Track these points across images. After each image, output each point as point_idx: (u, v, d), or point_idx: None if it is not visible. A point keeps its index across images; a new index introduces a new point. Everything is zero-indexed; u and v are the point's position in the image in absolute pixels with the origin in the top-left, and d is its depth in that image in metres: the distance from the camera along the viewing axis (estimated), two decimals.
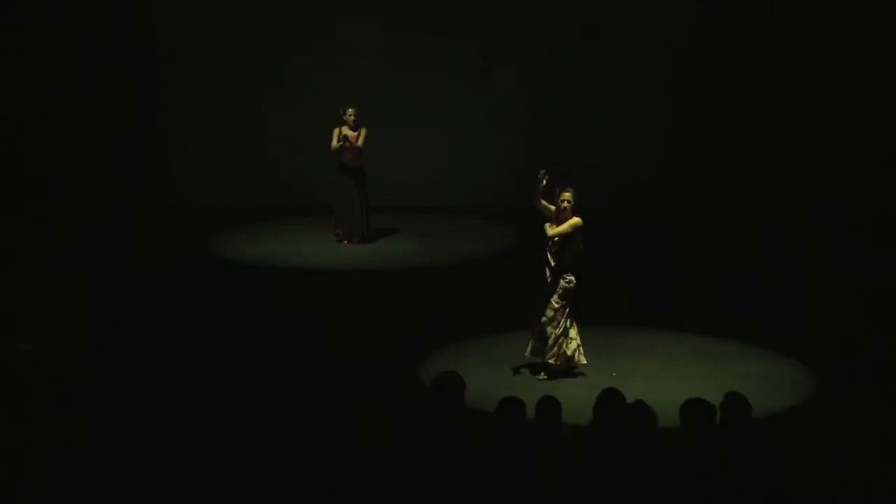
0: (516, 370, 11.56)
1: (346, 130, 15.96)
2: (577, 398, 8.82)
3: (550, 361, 11.36)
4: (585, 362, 11.38)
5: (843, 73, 17.58)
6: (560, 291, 11.23)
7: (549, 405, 7.46)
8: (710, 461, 7.06)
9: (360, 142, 15.93)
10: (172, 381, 10.78)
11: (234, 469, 8.57)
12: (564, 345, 11.34)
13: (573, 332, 11.36)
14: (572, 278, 11.24)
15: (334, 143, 15.93)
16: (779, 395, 10.78)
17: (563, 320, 11.31)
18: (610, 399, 7.38)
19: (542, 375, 11.42)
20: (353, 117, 15.91)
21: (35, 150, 17.48)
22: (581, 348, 11.38)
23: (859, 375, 11.26)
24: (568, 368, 11.41)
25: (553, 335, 11.30)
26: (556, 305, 11.25)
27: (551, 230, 11.19)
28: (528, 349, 11.51)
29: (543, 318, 11.29)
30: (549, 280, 11.28)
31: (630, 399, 7.42)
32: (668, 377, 11.23)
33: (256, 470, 8.48)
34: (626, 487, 6.99)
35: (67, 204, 17.08)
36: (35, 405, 9.76)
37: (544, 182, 11.07)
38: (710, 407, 7.24)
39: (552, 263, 11.24)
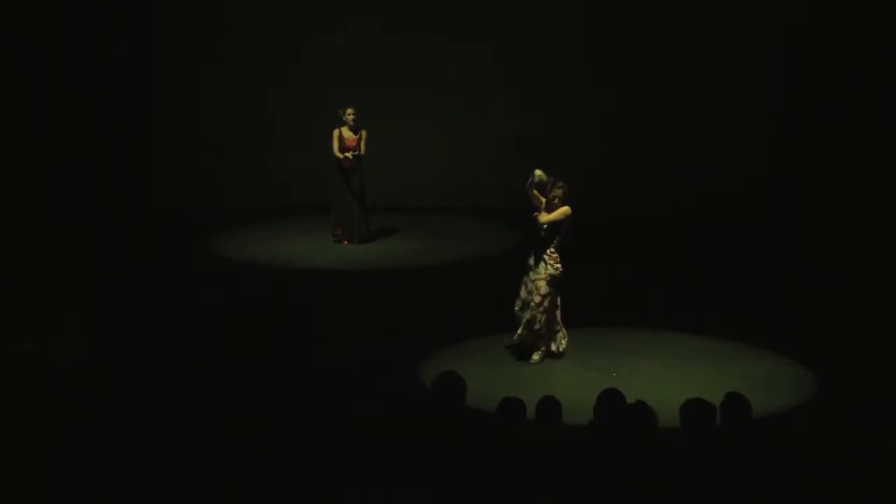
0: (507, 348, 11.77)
1: (345, 132, 15.97)
2: (577, 398, 8.81)
3: (553, 349, 11.68)
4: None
5: (844, 69, 17.57)
6: (548, 278, 11.41)
7: (549, 405, 7.46)
8: (710, 461, 7.06)
9: (362, 148, 15.94)
10: (172, 381, 10.78)
11: (234, 469, 8.57)
12: (561, 337, 11.65)
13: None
14: (559, 265, 11.46)
15: (335, 146, 15.91)
16: (779, 395, 10.78)
17: (556, 312, 11.59)
18: (610, 399, 7.38)
19: (536, 357, 11.64)
20: (352, 117, 15.91)
21: (35, 151, 17.47)
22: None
23: (859, 375, 11.26)
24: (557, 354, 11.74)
25: (547, 325, 11.55)
26: (545, 292, 11.43)
27: (543, 217, 11.43)
28: (518, 336, 11.68)
29: (532, 304, 11.48)
30: (532, 264, 11.52)
31: (630, 399, 7.42)
32: (669, 377, 11.23)
33: (256, 470, 8.48)
34: (625, 487, 6.98)
35: (67, 204, 17.07)
36: (35, 405, 9.77)
37: (540, 178, 11.38)
38: (711, 407, 7.23)
39: (539, 248, 11.49)
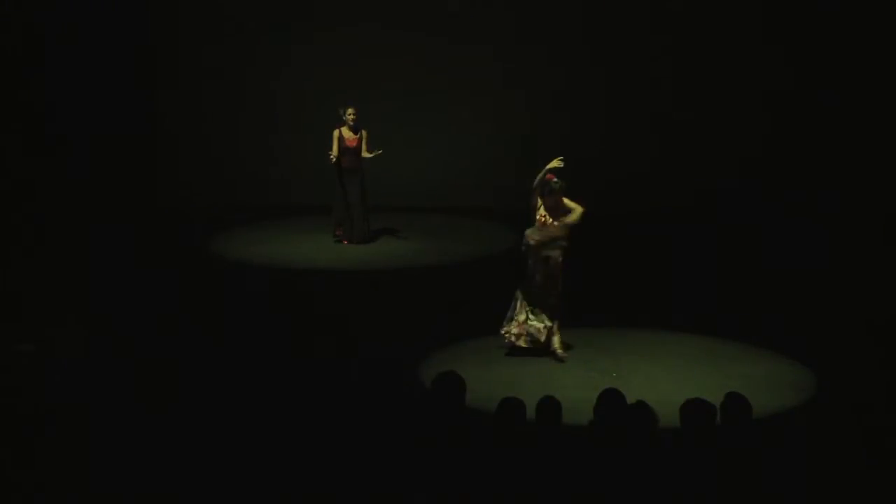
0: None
1: (345, 132, 15.97)
2: (577, 398, 8.82)
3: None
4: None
5: (847, 69, 17.57)
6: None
7: (549, 405, 7.45)
8: (710, 461, 7.06)
9: (364, 150, 15.96)
10: (172, 381, 10.78)
11: (234, 469, 8.58)
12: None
13: None
14: None
15: (334, 146, 15.90)
16: (779, 396, 10.78)
17: None
18: (610, 399, 7.38)
19: (561, 350, 11.79)
20: (352, 117, 15.92)
21: (34, 151, 17.47)
22: None
23: (859, 375, 11.26)
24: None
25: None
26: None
27: (575, 215, 11.57)
28: (531, 339, 11.72)
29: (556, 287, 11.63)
30: (547, 272, 11.63)
31: (630, 399, 7.42)
32: (668, 377, 11.24)
33: (256, 470, 8.48)
34: (626, 488, 6.98)
35: (67, 204, 17.06)
36: (34, 405, 9.77)
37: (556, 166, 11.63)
38: (711, 407, 7.23)
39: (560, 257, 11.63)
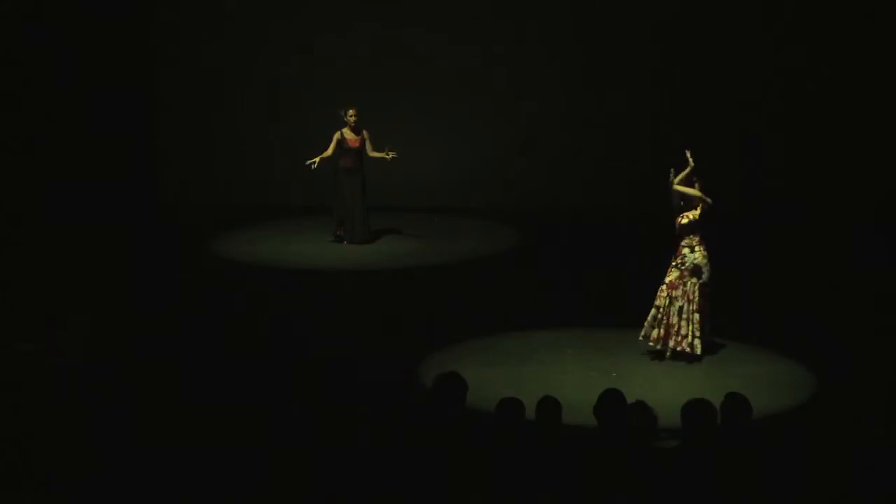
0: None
1: (347, 132, 15.97)
2: (577, 398, 8.81)
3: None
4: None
5: (842, 63, 17.58)
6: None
7: (549, 405, 7.45)
8: (710, 461, 7.05)
9: (370, 150, 15.95)
10: (172, 381, 10.77)
11: (233, 469, 8.57)
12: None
13: None
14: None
15: (329, 150, 15.88)
16: (779, 396, 10.78)
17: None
18: (610, 399, 7.38)
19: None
20: (353, 118, 15.91)
21: (34, 152, 17.46)
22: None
23: (859, 375, 11.26)
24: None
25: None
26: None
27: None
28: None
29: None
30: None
31: (630, 399, 7.41)
32: (669, 377, 11.24)
33: (255, 470, 8.48)
34: (626, 489, 6.98)
35: (67, 204, 17.05)
36: (35, 405, 9.77)
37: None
38: (711, 407, 7.23)
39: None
